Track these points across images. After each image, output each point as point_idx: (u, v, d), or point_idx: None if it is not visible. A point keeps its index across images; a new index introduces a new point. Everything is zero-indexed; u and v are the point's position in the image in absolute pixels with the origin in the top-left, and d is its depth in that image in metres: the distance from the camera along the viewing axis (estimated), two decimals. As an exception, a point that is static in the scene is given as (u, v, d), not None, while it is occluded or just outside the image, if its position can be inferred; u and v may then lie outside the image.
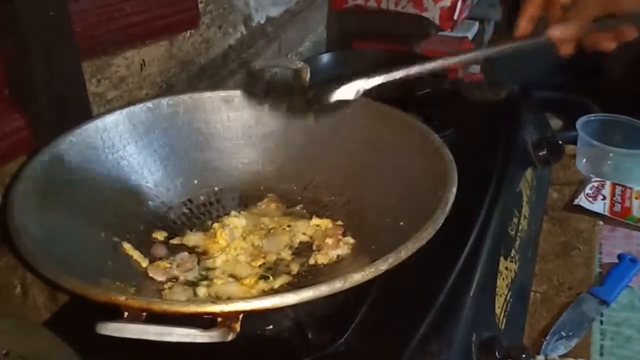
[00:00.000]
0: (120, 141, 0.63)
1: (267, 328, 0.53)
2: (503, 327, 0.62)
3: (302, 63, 0.71)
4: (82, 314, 0.43)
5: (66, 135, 0.59)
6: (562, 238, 0.86)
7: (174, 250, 0.60)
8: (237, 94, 0.70)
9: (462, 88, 1.01)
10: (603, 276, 0.78)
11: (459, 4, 1.25)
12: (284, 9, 1.12)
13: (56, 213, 0.54)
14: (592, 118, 1.01)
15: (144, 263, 0.57)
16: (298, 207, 0.66)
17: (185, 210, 0.66)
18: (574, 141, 1.01)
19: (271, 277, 0.56)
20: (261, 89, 0.68)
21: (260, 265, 0.58)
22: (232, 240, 0.60)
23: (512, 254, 0.70)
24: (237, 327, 0.40)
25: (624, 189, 0.93)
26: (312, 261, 0.58)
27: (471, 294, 0.58)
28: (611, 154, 0.97)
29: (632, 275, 0.77)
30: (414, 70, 0.59)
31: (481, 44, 1.66)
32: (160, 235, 0.61)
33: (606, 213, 0.88)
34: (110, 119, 0.63)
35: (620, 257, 0.80)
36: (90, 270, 0.51)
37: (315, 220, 0.61)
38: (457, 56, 0.64)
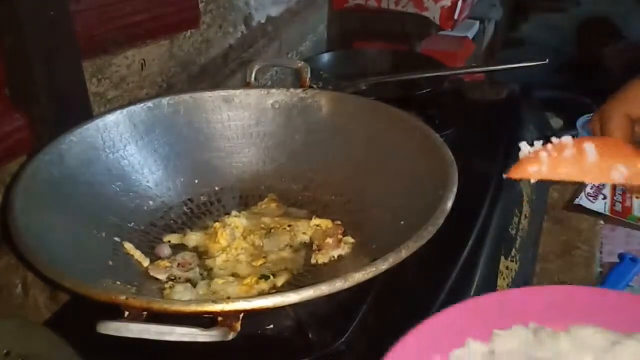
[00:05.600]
0: (121, 141, 0.63)
1: (267, 327, 0.53)
2: (504, 326, 0.62)
3: (302, 63, 0.71)
4: (83, 314, 0.44)
5: (67, 135, 0.59)
6: (563, 238, 0.86)
7: (175, 250, 0.60)
8: (237, 94, 0.70)
9: (463, 88, 1.01)
10: (604, 276, 0.77)
11: (460, 4, 1.25)
12: (284, 8, 1.12)
13: (57, 213, 0.54)
14: (593, 117, 1.01)
15: (145, 263, 0.57)
16: (298, 207, 0.66)
17: (186, 210, 0.66)
18: (574, 141, 1.01)
19: (272, 277, 0.56)
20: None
21: (261, 265, 0.58)
22: (232, 240, 0.60)
23: (512, 254, 0.70)
24: (238, 326, 0.40)
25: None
26: (312, 261, 0.58)
27: (472, 294, 0.58)
28: (612, 154, 0.97)
29: (633, 274, 0.77)
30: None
31: (481, 46, 1.66)
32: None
33: (607, 212, 0.88)
34: (111, 119, 0.63)
35: (621, 256, 0.80)
36: (91, 270, 0.51)
37: (316, 220, 0.61)
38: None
